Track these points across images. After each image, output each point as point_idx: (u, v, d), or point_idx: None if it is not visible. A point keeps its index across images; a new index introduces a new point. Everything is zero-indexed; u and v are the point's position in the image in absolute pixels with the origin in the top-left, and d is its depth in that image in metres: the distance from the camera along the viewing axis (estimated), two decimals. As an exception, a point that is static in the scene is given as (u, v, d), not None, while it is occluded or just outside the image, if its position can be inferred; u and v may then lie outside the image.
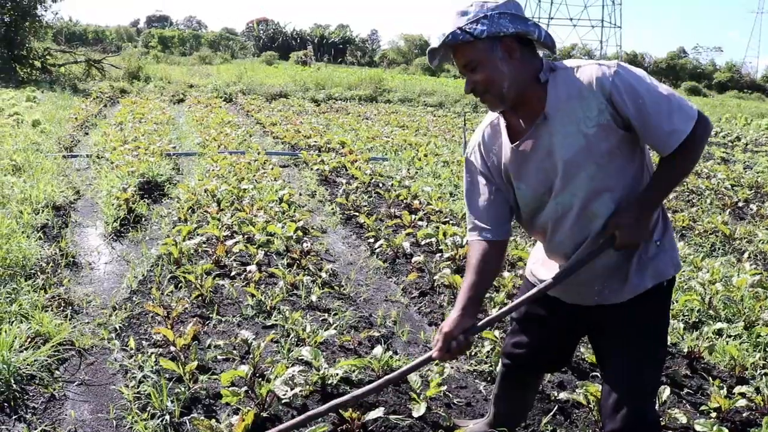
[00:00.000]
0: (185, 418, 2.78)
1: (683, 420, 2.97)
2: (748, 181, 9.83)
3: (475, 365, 3.56)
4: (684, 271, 5.09)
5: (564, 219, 2.06)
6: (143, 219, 6.11)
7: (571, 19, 61.43)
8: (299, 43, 64.01)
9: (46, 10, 23.97)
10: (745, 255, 5.82)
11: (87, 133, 11.49)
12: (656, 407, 2.20)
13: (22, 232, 5.01)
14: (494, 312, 2.28)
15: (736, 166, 11.48)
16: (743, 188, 9.20)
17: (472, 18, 1.91)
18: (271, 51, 54.62)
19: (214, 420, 2.66)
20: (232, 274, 4.59)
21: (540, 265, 2.31)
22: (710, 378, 3.48)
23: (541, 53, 2.02)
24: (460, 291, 2.17)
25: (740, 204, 8.25)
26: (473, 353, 3.66)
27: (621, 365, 2.15)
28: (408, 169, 8.88)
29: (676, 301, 4.49)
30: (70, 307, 4.02)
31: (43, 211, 5.79)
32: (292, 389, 2.81)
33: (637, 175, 2.01)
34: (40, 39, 24.56)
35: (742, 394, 3.22)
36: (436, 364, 3.22)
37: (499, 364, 2.66)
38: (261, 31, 71.50)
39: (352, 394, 2.32)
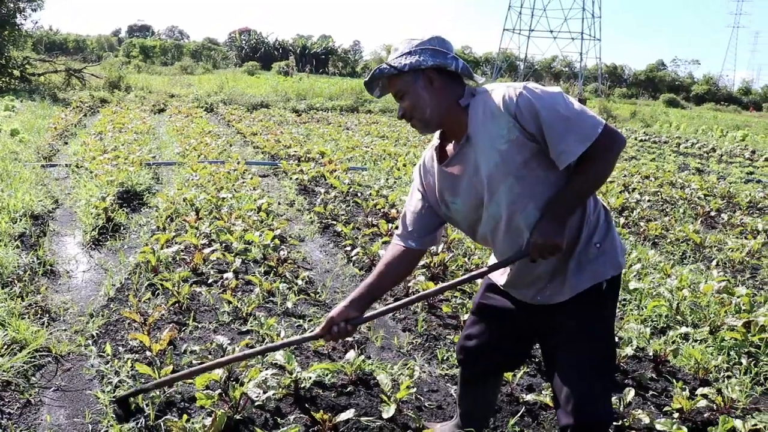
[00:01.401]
0: (160, 420, 2.82)
1: (646, 420, 3.07)
2: (721, 191, 10.04)
3: (447, 369, 3.64)
4: (654, 279, 5.21)
5: (497, 230, 2.21)
6: (122, 228, 6.14)
7: (551, 32, 61.92)
8: (281, 54, 64.10)
9: (25, 19, 23.98)
10: (714, 262, 5.97)
11: (66, 143, 11.48)
12: (608, 402, 2.28)
13: (0, 241, 5.02)
14: (381, 308, 2.44)
15: (710, 176, 11.70)
16: (715, 198, 9.40)
17: (399, 54, 2.15)
18: (253, 61, 54.64)
19: (188, 422, 2.71)
20: (210, 281, 4.64)
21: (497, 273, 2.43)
22: (675, 380, 3.58)
23: (479, 81, 2.19)
24: (359, 285, 2.39)
25: (712, 213, 8.42)
26: (445, 357, 3.74)
27: (566, 363, 2.26)
28: (387, 179, 8.97)
29: (645, 307, 4.62)
30: (47, 315, 4.05)
31: (20, 220, 5.80)
32: (265, 392, 2.87)
33: (560, 180, 2.13)
34: (19, 48, 24.45)
35: (704, 396, 3.33)
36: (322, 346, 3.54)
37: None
38: (243, 41, 71.46)
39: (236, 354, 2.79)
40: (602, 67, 61.90)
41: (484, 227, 2.24)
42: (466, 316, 4.01)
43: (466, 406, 2.82)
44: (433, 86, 2.13)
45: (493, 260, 2.48)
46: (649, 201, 8.85)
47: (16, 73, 22.67)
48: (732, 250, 6.40)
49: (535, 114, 2.01)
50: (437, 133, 2.30)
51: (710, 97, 61.15)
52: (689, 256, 6.33)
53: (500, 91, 2.09)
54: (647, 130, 24.48)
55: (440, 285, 2.42)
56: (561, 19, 67.95)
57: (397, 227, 2.44)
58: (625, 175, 11.04)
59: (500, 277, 2.40)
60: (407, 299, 2.44)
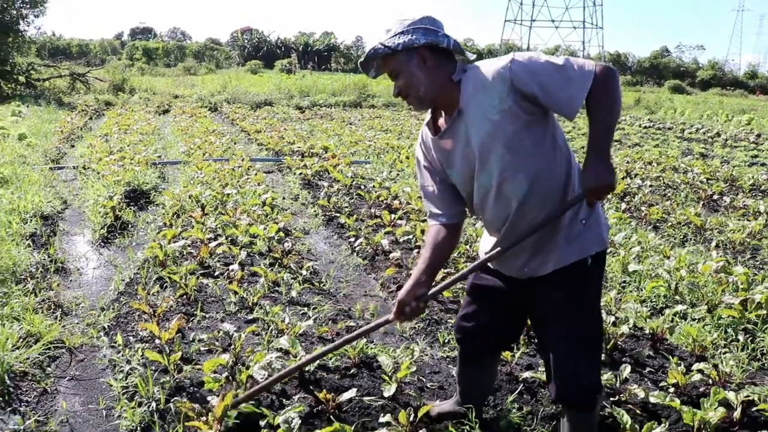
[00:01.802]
0: (170, 404, 2.93)
1: (641, 395, 3.15)
2: (724, 174, 10.07)
3: (448, 351, 3.74)
4: (653, 261, 5.29)
5: (487, 198, 2.30)
6: (129, 225, 6.26)
7: (552, 21, 61.92)
8: (284, 52, 64.25)
9: (28, 26, 24.10)
10: (713, 243, 6.03)
11: (73, 146, 11.63)
12: (595, 374, 2.38)
13: (12, 241, 5.15)
14: (442, 283, 2.50)
15: (714, 161, 11.72)
16: (718, 182, 9.44)
17: (392, 34, 2.23)
18: (256, 60, 54.78)
19: (196, 402, 2.82)
20: (216, 273, 4.76)
21: (487, 245, 2.52)
22: (672, 357, 3.66)
23: (470, 57, 2.28)
24: (416, 265, 2.43)
25: (715, 197, 8.47)
26: (447, 340, 3.84)
27: (552, 337, 2.38)
28: (389, 171, 9.07)
29: (644, 289, 4.70)
30: (60, 309, 4.17)
31: (31, 220, 5.94)
32: (269, 374, 2.98)
33: (549, 157, 2.22)
34: (23, 54, 24.63)
35: (700, 371, 3.40)
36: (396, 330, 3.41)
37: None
38: (245, 41, 71.60)
39: (312, 354, 2.72)
40: (605, 56, 61.77)
41: (476, 197, 2.33)
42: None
43: (466, 384, 2.91)
44: (426, 64, 2.22)
45: (485, 237, 2.57)
46: (651, 186, 8.91)
47: (22, 79, 22.86)
48: (733, 232, 6.46)
49: (532, 74, 2.09)
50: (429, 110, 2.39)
51: (716, 82, 60.91)
52: (690, 239, 6.39)
53: (491, 64, 2.18)
54: (651, 116, 24.47)
55: (476, 263, 2.45)
56: (562, 9, 67.70)
57: (426, 212, 2.53)
58: (627, 162, 11.09)
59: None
60: (468, 269, 2.49)
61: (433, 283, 2.49)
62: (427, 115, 2.42)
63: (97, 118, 16.82)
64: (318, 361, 3.31)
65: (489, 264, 2.52)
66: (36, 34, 26.85)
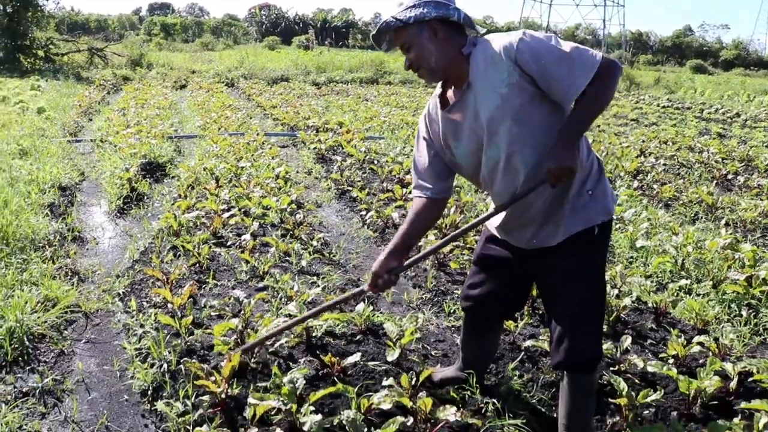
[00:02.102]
0: (180, 365, 3.04)
1: (641, 365, 3.21)
2: (740, 154, 10.00)
3: (453, 321, 3.82)
4: (661, 237, 5.32)
5: (495, 172, 2.34)
6: (145, 197, 6.38)
7: (573, -1, 61.07)
8: (302, 28, 64.00)
9: (47, 0, 24.18)
10: (722, 222, 6.05)
11: (91, 119, 11.77)
12: (597, 342, 2.45)
13: (31, 210, 5.29)
14: (418, 254, 2.56)
15: (731, 141, 11.64)
16: (734, 161, 9.39)
17: (405, 7, 2.26)
18: (274, 36, 54.63)
19: (205, 362, 2.93)
20: (228, 243, 4.86)
21: (496, 220, 2.57)
22: (673, 330, 3.72)
23: (480, 31, 2.32)
24: (394, 236, 2.50)
25: (729, 176, 8.44)
26: (452, 310, 3.92)
27: (560, 304, 2.43)
28: (403, 147, 9.11)
29: (650, 264, 4.74)
30: (77, 276, 4.30)
31: (49, 191, 6.07)
32: (277, 339, 3.08)
33: (556, 127, 2.24)
34: (42, 29, 24.79)
35: (700, 343, 3.45)
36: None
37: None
38: (263, 17, 71.36)
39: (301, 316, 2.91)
40: (627, 34, 61.00)
41: (484, 171, 2.37)
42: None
43: (469, 351, 2.99)
44: (437, 37, 2.25)
45: (495, 218, 2.62)
46: (665, 165, 8.88)
47: (41, 53, 23.02)
48: (745, 211, 6.46)
49: (537, 55, 2.13)
50: (439, 83, 2.43)
51: (740, 63, 59.90)
52: (701, 217, 6.40)
53: (500, 39, 2.22)
54: (671, 96, 24.22)
55: (468, 224, 2.51)
56: (584, -14, 66.84)
57: (412, 182, 2.57)
58: (643, 141, 11.05)
59: (497, 224, 2.54)
60: (441, 241, 2.55)
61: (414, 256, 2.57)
62: (437, 89, 2.46)
63: (114, 93, 16.96)
64: (325, 327, 3.41)
65: (497, 234, 2.59)
66: (55, 9, 27.08)
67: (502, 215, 2.48)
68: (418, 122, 2.57)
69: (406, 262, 2.50)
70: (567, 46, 2.16)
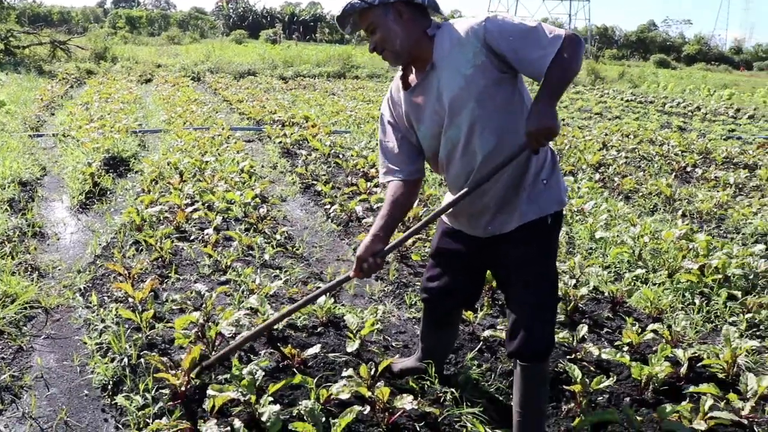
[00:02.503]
0: (141, 359, 3.05)
1: (596, 353, 3.29)
2: (699, 147, 10.23)
3: (415, 312, 3.87)
4: (620, 229, 5.44)
5: (454, 153, 2.37)
6: (108, 192, 6.33)
7: (540, -6, 61.57)
8: (269, 22, 63.63)
9: (8, -8, 23.66)
10: (679, 213, 6.20)
11: (53, 114, 11.59)
12: (550, 330, 2.51)
13: (-11, 205, 5.22)
14: (398, 238, 2.57)
15: (691, 134, 11.88)
16: (692, 154, 9.60)
17: None
18: (241, 30, 54.20)
19: (165, 356, 2.94)
20: (191, 237, 4.86)
21: (447, 213, 2.61)
22: (628, 319, 3.81)
23: (444, 14, 2.35)
24: (374, 221, 2.50)
25: (688, 169, 8.63)
26: (413, 302, 3.97)
27: (517, 292, 2.49)
28: (369, 141, 9.15)
29: (608, 255, 4.85)
30: (37, 272, 4.27)
31: (9, 186, 5.98)
32: (238, 331, 3.10)
33: (516, 116, 2.30)
34: (2, 21, 24.28)
35: (654, 331, 3.55)
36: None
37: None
38: (231, 10, 70.77)
39: (276, 314, 2.79)
40: (592, 29, 61.65)
41: (442, 152, 2.40)
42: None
43: (429, 342, 3.03)
44: (402, 18, 2.26)
45: (446, 201, 2.67)
46: (626, 158, 9.04)
47: (0, 46, 22.54)
48: (701, 202, 6.62)
49: (505, 32, 2.17)
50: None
51: (701, 57, 61.05)
52: (660, 209, 6.55)
53: (467, 21, 2.26)
54: (634, 90, 24.59)
55: (442, 206, 2.51)
56: (550, -19, 67.27)
57: (380, 168, 2.57)
58: (605, 134, 11.22)
59: (452, 214, 2.57)
60: (422, 222, 2.51)
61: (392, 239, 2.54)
62: (398, 72, 2.48)
63: (78, 87, 16.70)
64: (287, 320, 3.43)
65: (453, 226, 2.64)
66: (15, 1, 26.47)
67: (459, 210, 2.53)
68: (381, 107, 2.59)
69: (389, 245, 2.49)
70: (531, 22, 2.20)
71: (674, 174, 8.31)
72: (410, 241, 4.69)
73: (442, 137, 2.37)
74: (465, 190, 2.37)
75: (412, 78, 2.40)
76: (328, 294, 3.64)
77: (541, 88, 2.19)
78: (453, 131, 2.33)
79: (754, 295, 4.21)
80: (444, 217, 2.69)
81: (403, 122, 2.47)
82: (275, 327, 3.38)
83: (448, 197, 2.66)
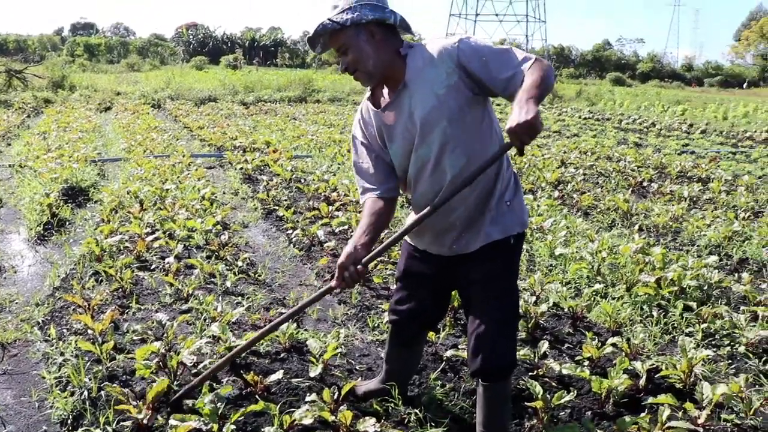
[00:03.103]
0: (101, 392, 3.01)
1: (557, 368, 3.35)
2: (654, 162, 10.48)
3: (378, 335, 3.89)
4: (579, 245, 5.53)
5: (423, 171, 2.41)
6: (67, 223, 6.25)
7: (496, 15, 62.86)
8: (230, 47, 63.53)
9: (-39, 21, 23.26)
10: (636, 227, 6.34)
11: (9, 144, 11.41)
12: (512, 349, 2.55)
13: (-57, 240, 5.11)
14: (378, 247, 2.49)
15: (646, 149, 12.16)
16: (648, 169, 9.82)
17: (340, 10, 2.29)
18: (201, 56, 54.01)
19: (126, 387, 2.91)
20: (152, 266, 4.82)
21: (411, 233, 2.61)
22: (588, 333, 3.88)
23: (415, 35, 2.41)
24: (355, 232, 2.47)
25: (644, 183, 8.84)
26: (376, 325, 3.99)
27: (477, 314, 2.51)
28: (330, 165, 9.18)
29: (568, 271, 4.92)
30: (-7, 306, 4.18)
31: (-37, 219, 5.87)
32: (200, 360, 3.08)
33: (485, 137, 2.37)
34: (-44, 51, 23.84)
35: (613, 344, 3.62)
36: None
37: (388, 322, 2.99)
38: (191, 36, 70.49)
39: (249, 339, 2.81)
40: (549, 49, 62.84)
41: (412, 168, 2.43)
42: (395, 285, 4.25)
43: (393, 363, 3.04)
44: (374, 39, 2.29)
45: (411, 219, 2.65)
46: (584, 174, 9.22)
47: (-46, 76, 22.15)
48: (657, 216, 6.77)
49: (478, 53, 2.23)
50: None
51: (655, 75, 62.58)
52: (618, 224, 6.68)
53: (440, 41, 2.32)
54: (591, 108, 25.10)
55: (411, 222, 2.46)
56: (506, 2, 68.68)
57: (358, 188, 2.58)
58: (564, 152, 11.42)
59: (417, 233, 2.58)
60: (404, 229, 2.47)
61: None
62: (367, 92, 2.51)
63: (35, 116, 16.47)
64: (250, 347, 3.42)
65: (417, 246, 2.65)
66: (-31, 31, 25.97)
67: (422, 230, 2.54)
68: (352, 129, 2.60)
69: (370, 254, 2.43)
70: (500, 47, 2.27)
71: (631, 189, 8.50)
72: (372, 264, 4.69)
73: (413, 155, 2.39)
74: (441, 196, 2.35)
75: (384, 96, 2.43)
76: (293, 318, 3.64)
77: (518, 94, 2.14)
78: (424, 149, 2.36)
79: (709, 306, 4.32)
80: (408, 238, 2.70)
81: (376, 142, 2.50)
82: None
83: (411, 217, 2.65)
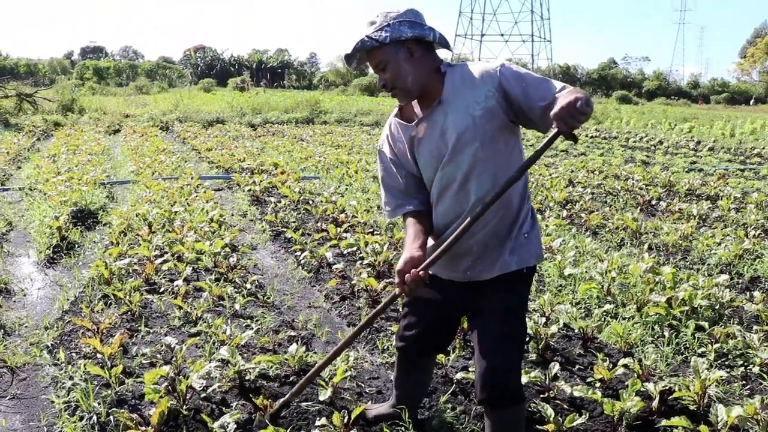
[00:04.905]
0: (110, 416, 3.00)
1: (568, 390, 3.32)
2: (663, 180, 10.44)
3: (387, 357, 3.87)
4: (588, 265, 5.51)
5: (448, 189, 2.40)
6: (76, 246, 6.26)
7: (502, 35, 63.19)
8: (237, 69, 64.11)
9: (-27, 46, 23.55)
10: (645, 246, 6.30)
11: (20, 167, 11.49)
12: (518, 379, 2.51)
13: (-47, 264, 5.13)
14: (435, 252, 2.39)
15: (654, 167, 12.13)
16: (656, 187, 9.80)
17: (378, 27, 2.31)
18: (209, 78, 54.63)
19: (135, 412, 2.89)
20: (161, 289, 4.82)
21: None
22: (599, 354, 3.85)
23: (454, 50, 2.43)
24: (405, 242, 2.46)
25: (653, 202, 8.80)
26: (385, 347, 3.97)
27: (486, 342, 2.47)
28: (338, 186, 9.20)
29: (577, 291, 4.89)
30: (2, 330, 4.19)
31: (-26, 243, 5.90)
32: (209, 384, 3.07)
33: (514, 163, 2.35)
34: (-33, 75, 24.11)
35: (625, 366, 3.59)
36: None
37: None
38: (198, 59, 71.22)
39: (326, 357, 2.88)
40: (555, 68, 63.04)
41: (436, 186, 2.43)
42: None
43: (403, 388, 3.01)
44: (413, 57, 2.31)
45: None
46: (592, 193, 9.20)
47: (-35, 100, 22.37)
48: (666, 235, 6.73)
49: (519, 79, 2.24)
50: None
51: (661, 92, 62.75)
52: (626, 243, 6.65)
53: (481, 64, 2.34)
54: (598, 126, 25.09)
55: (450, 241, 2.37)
56: (511, 23, 69.14)
57: (386, 205, 2.57)
58: (571, 171, 11.41)
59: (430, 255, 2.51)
60: (453, 237, 2.34)
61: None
62: (395, 109, 2.53)
63: (45, 139, 16.61)
64: (258, 371, 3.41)
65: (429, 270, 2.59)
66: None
67: (437, 242, 2.50)
68: (379, 145, 2.60)
69: (429, 258, 2.38)
70: (540, 76, 2.27)
71: (639, 208, 8.47)
72: (381, 284, 4.69)
73: (439, 172, 2.39)
74: (481, 206, 2.29)
75: (417, 111, 2.44)
76: (305, 349, 3.66)
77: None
78: (451, 168, 2.35)
79: (721, 326, 4.28)
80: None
81: (406, 157, 2.50)
82: (247, 378, 3.35)
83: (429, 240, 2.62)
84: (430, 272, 2.58)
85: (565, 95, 2.06)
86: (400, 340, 2.83)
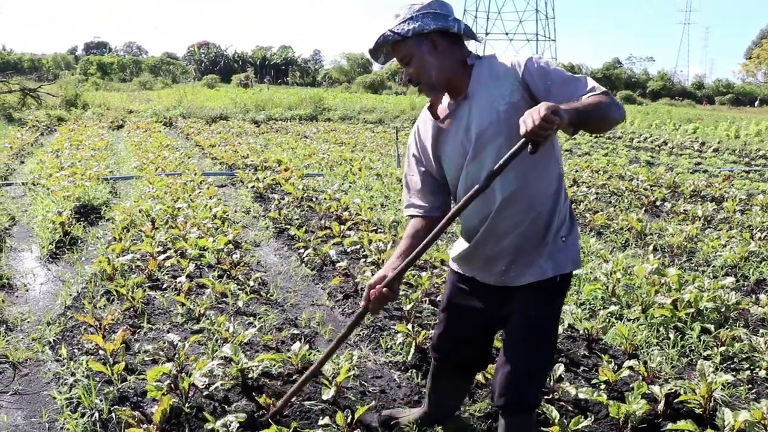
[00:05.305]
0: (112, 413, 2.98)
1: (573, 392, 3.29)
2: (667, 181, 10.41)
3: (390, 357, 3.84)
4: (593, 265, 5.48)
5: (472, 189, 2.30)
6: (79, 241, 6.25)
7: (506, 34, 63.10)
8: (241, 66, 64.14)
9: (-23, 40, 23.55)
10: (650, 247, 6.27)
11: (23, 162, 11.48)
12: (538, 390, 2.47)
13: (-44, 258, 5.12)
14: (401, 265, 2.38)
15: (659, 168, 12.09)
16: (661, 188, 9.76)
17: (401, 20, 2.24)
18: (213, 74, 54.57)
19: (136, 410, 2.87)
20: (164, 286, 4.80)
21: (459, 258, 2.57)
22: (604, 356, 3.82)
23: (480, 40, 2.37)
24: (392, 254, 2.45)
25: (657, 203, 8.77)
26: (389, 346, 3.94)
27: (513, 349, 2.40)
28: (341, 183, 9.18)
29: (582, 292, 4.87)
30: (4, 325, 4.17)
31: (-24, 237, 5.89)
32: (212, 381, 3.05)
33: (542, 163, 2.26)
34: (-29, 70, 24.12)
35: (630, 368, 3.56)
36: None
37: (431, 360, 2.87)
38: (202, 55, 71.25)
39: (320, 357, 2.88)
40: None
41: (461, 185, 2.35)
42: (408, 306, 4.21)
43: (438, 398, 2.93)
44: (437, 49, 2.24)
45: (457, 249, 2.58)
46: (596, 193, 9.16)
47: (-31, 95, 22.37)
48: (671, 236, 6.70)
49: (545, 74, 2.15)
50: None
51: (665, 93, 62.60)
52: (631, 244, 6.63)
53: (508, 57, 2.25)
54: (602, 126, 25.00)
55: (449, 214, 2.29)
56: (516, 22, 69.05)
57: (403, 200, 2.54)
58: (576, 171, 11.38)
59: (466, 255, 2.49)
60: (422, 246, 2.32)
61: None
62: (426, 105, 2.46)
63: (48, 134, 16.59)
64: (261, 368, 3.39)
65: (465, 273, 2.54)
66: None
67: (463, 247, 2.48)
68: (409, 140, 2.54)
69: (394, 273, 2.36)
70: (567, 72, 2.19)
71: (644, 208, 8.43)
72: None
73: (463, 170, 2.31)
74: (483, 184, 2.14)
75: (443, 107, 2.38)
76: (308, 347, 3.63)
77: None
78: (475, 166, 2.27)
79: (727, 328, 4.25)
80: (455, 265, 2.62)
81: (428, 155, 2.43)
82: (249, 376, 3.33)
83: (460, 242, 2.58)
84: (468, 275, 2.53)
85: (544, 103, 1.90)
86: (434, 350, 2.76)
